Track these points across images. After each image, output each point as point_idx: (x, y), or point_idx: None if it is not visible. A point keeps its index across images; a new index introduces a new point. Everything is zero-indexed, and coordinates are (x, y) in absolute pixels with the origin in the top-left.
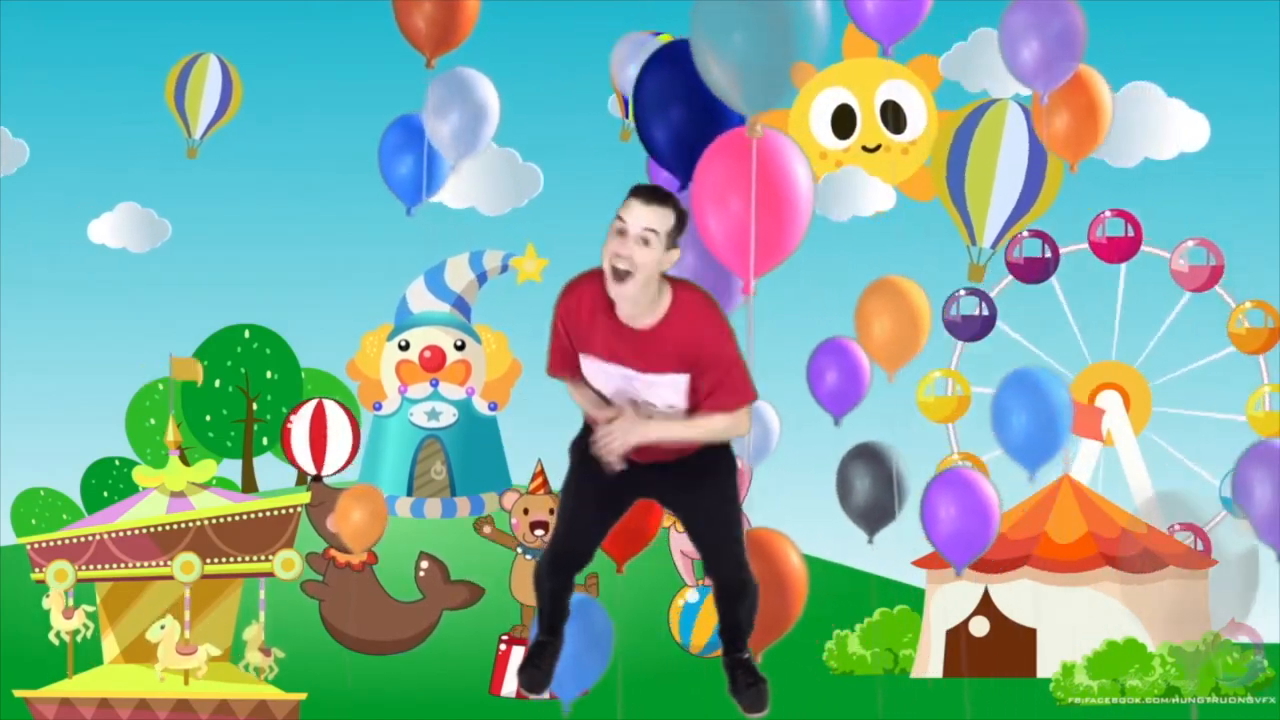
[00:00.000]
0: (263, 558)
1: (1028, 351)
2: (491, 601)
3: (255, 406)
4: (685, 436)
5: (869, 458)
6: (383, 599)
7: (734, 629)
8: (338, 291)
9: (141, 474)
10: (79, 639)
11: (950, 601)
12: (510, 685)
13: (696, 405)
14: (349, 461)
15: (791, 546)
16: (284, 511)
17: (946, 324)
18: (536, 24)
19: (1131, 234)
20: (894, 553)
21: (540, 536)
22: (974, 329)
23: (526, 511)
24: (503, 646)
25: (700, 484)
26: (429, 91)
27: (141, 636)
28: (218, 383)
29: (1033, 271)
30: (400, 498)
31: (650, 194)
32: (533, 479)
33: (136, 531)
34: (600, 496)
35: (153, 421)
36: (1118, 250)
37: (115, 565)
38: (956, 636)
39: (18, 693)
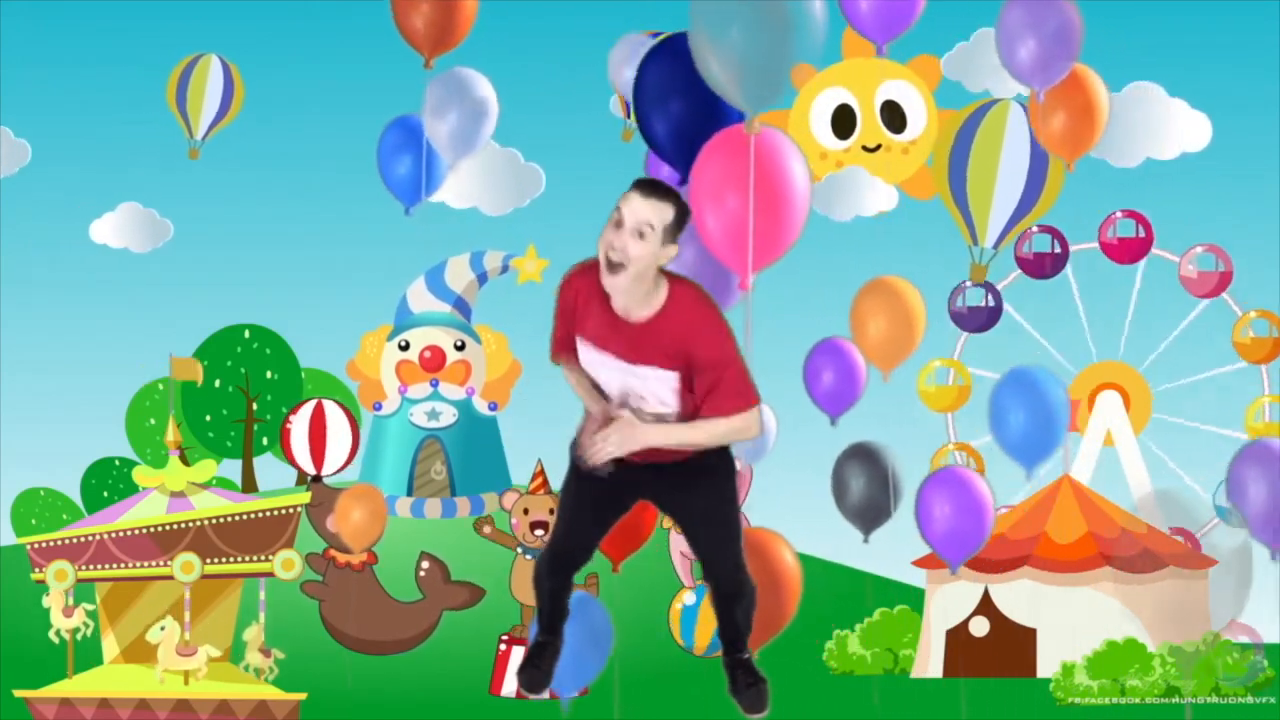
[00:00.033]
0: (263, 558)
1: (1032, 344)
2: (491, 601)
3: (255, 406)
4: (687, 440)
5: (864, 457)
6: (383, 599)
7: (732, 630)
8: (338, 291)
9: (141, 474)
10: (79, 637)
11: (950, 601)
12: (510, 685)
13: (696, 408)
14: (348, 462)
15: (785, 546)
16: (284, 511)
17: (952, 315)
18: (538, 24)
19: (1142, 235)
20: (894, 553)
21: (540, 536)
22: (980, 320)
23: (526, 511)
24: (503, 646)
25: (696, 486)
26: (427, 91)
27: (141, 637)
28: (218, 383)
29: (1042, 267)
30: (400, 498)
31: (650, 187)
32: (533, 479)
33: (136, 531)
34: (600, 497)
35: (153, 421)
36: (1129, 251)
37: (115, 565)
38: (956, 636)
39: (18, 693)
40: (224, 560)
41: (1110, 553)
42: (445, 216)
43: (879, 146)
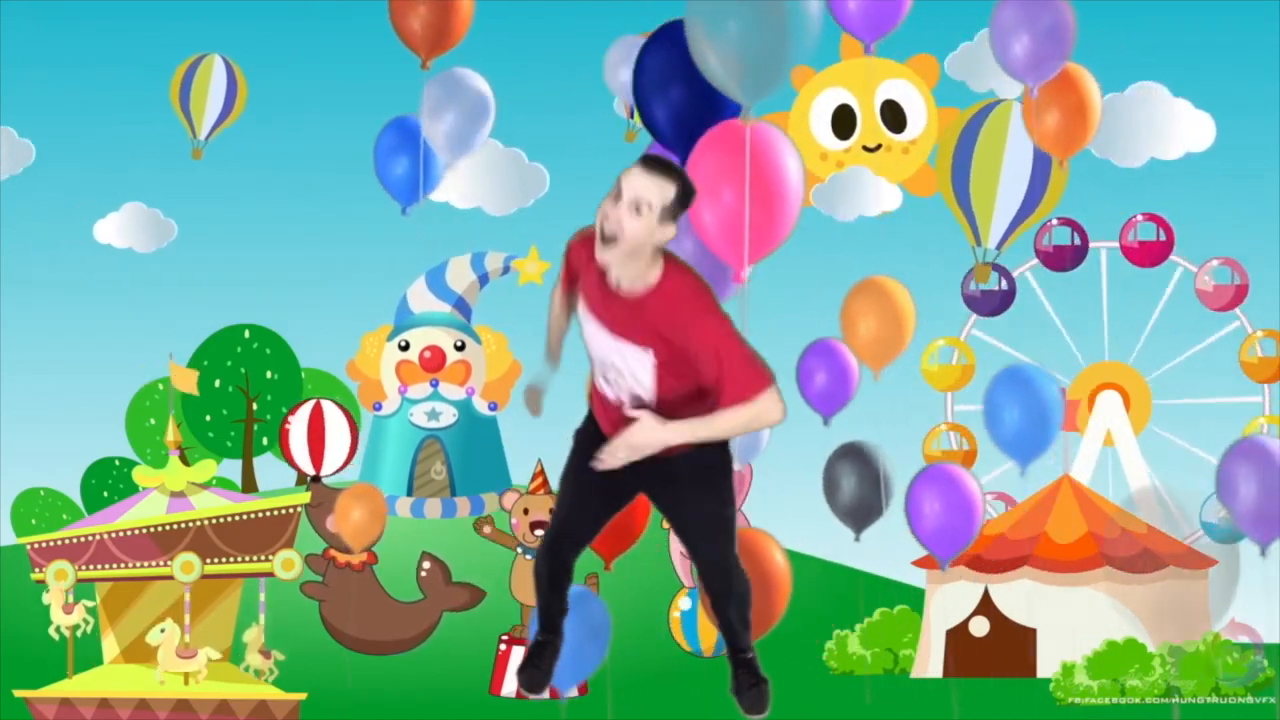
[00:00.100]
0: (263, 558)
1: (1041, 333)
2: (491, 602)
3: (255, 406)
4: (708, 435)
5: (855, 457)
6: (383, 599)
7: (728, 628)
8: (338, 291)
9: (141, 474)
10: (79, 634)
11: (950, 601)
12: (510, 685)
13: (712, 402)
14: (347, 462)
15: (775, 545)
16: (284, 512)
17: (965, 298)
18: (540, 24)
19: (1163, 238)
20: (894, 553)
21: (540, 536)
22: (993, 304)
23: (526, 511)
24: (503, 646)
25: (690, 482)
26: (424, 92)
27: (141, 637)
28: (218, 383)
29: (1061, 259)
30: (400, 498)
31: (653, 164)
32: (533, 479)
33: (136, 531)
34: (601, 482)
35: (153, 421)
36: (1149, 254)
37: (115, 565)
38: (956, 636)
39: (18, 693)
40: (224, 560)
41: (1110, 553)
42: (449, 216)
43: (879, 146)
